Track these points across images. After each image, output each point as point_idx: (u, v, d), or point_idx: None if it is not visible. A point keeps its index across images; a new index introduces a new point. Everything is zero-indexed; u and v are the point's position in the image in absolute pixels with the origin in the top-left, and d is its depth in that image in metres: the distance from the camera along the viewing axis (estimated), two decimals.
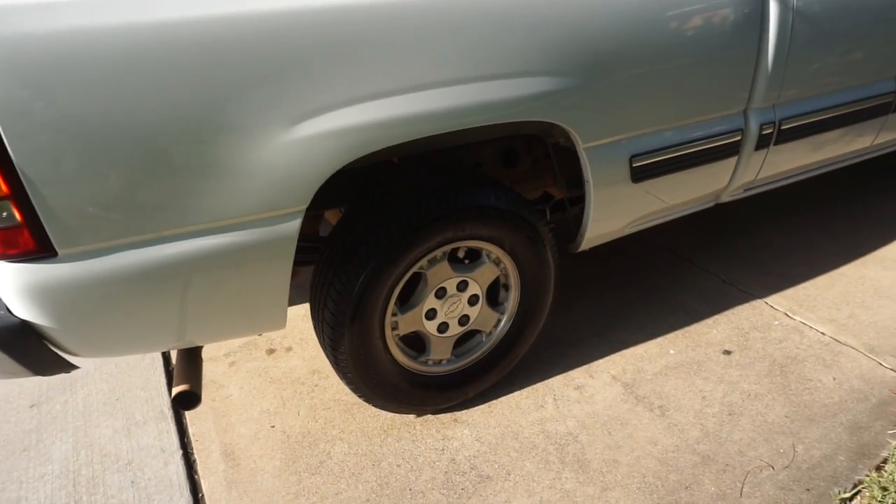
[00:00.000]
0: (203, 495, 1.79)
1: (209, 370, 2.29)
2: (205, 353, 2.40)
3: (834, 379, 2.07)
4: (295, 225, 1.48)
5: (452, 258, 1.84)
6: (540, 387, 2.11)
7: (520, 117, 1.63)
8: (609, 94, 1.74)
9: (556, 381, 2.12)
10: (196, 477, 1.85)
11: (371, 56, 1.40)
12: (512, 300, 1.98)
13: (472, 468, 1.82)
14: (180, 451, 1.93)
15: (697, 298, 2.53)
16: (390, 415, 2.01)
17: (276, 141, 1.37)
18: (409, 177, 1.78)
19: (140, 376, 2.28)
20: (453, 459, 1.85)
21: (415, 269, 1.75)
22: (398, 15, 1.41)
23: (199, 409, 2.11)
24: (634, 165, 1.91)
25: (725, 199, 2.34)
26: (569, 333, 2.37)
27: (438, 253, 1.77)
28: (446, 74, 1.49)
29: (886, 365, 2.11)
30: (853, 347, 2.21)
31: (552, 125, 1.78)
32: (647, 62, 1.76)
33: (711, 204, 2.32)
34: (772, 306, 2.46)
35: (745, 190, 2.37)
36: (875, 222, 3.05)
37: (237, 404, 2.12)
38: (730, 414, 1.95)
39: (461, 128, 1.56)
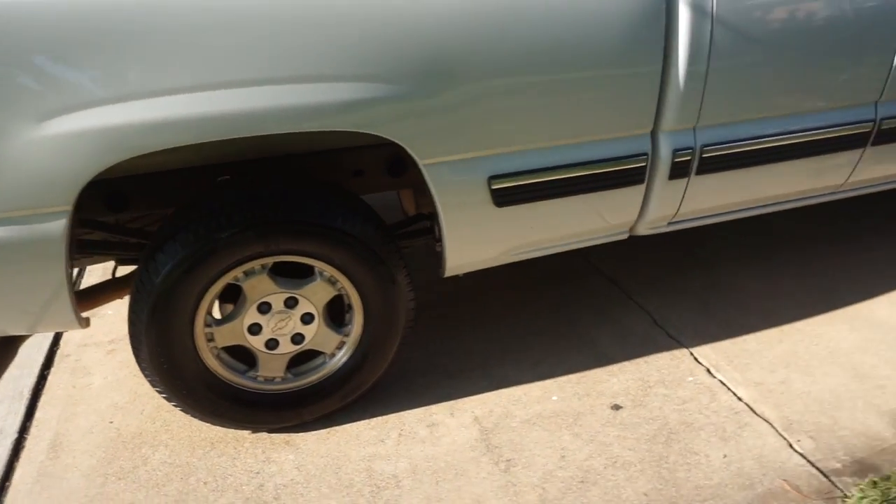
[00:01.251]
0: (10, 484, 1.76)
1: (87, 354, 2.28)
2: (90, 338, 2.39)
3: (724, 456, 1.76)
4: (59, 225, 1.39)
5: (283, 271, 1.70)
6: (392, 418, 1.93)
7: (332, 127, 1.46)
8: (454, 106, 1.53)
9: (413, 415, 1.94)
10: (15, 464, 1.83)
11: (132, 50, 1.28)
12: (356, 324, 1.81)
13: (275, 499, 1.68)
14: (16, 436, 1.92)
15: (614, 338, 2.25)
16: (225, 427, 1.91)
17: (22, 138, 1.29)
18: (227, 183, 1.65)
19: (24, 354, 2.30)
20: (262, 486, 1.72)
21: (226, 280, 1.62)
22: (163, 5, 1.28)
23: (55, 394, 2.10)
24: (495, 188, 1.68)
25: (644, 231, 2.05)
26: (453, 362, 2.16)
27: (255, 265, 1.64)
28: (224, 75, 1.34)
29: (797, 447, 1.78)
30: (767, 420, 1.87)
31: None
32: (504, 71, 1.53)
33: (625, 236, 2.04)
34: (696, 359, 2.14)
35: (670, 223, 2.06)
36: (860, 274, 2.60)
37: (93, 394, 2.09)
38: (581, 481, 1.70)
39: (260, 133, 1.41)
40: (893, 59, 1.96)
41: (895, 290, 2.46)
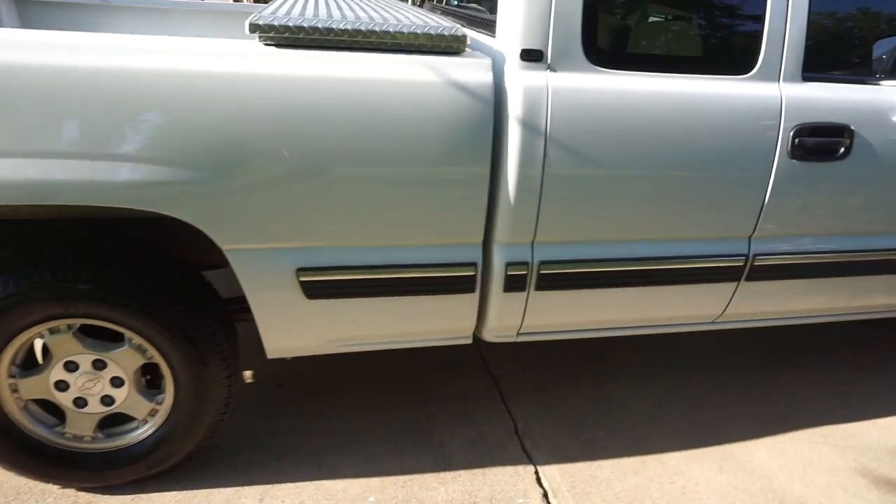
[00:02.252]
0: None
1: None
2: None
3: None
4: None
5: (99, 331, 1.72)
6: (200, 495, 1.90)
7: (126, 204, 1.49)
8: (253, 195, 1.54)
9: (222, 495, 1.90)
10: None
11: None
12: (168, 393, 1.81)
13: None
14: None
15: (464, 443, 2.16)
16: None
17: None
18: (42, 242, 1.70)
19: None
20: None
21: (30, 334, 1.66)
22: None
23: None
24: (304, 280, 1.68)
25: (492, 339, 1.99)
26: (291, 443, 2.12)
27: (61, 324, 1.67)
28: (17, 145, 1.39)
29: None
30: None
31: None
32: (307, 167, 1.54)
33: (468, 340, 1.98)
34: (538, 479, 2.03)
35: (521, 334, 2.00)
36: (754, 412, 2.41)
37: None
38: None
39: (54, 203, 1.46)
40: (765, 196, 1.88)
41: (783, 434, 2.28)
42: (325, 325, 1.78)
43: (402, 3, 2.48)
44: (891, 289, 2.24)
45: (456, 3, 2.24)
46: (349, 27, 1.53)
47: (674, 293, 1.98)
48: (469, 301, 1.83)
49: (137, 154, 1.45)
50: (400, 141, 1.57)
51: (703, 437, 2.26)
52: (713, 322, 2.16)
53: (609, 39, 1.73)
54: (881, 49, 1.98)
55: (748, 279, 2.00)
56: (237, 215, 1.56)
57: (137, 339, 1.71)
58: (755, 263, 1.98)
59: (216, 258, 1.66)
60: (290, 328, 1.77)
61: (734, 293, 2.03)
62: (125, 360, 1.75)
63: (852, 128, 1.87)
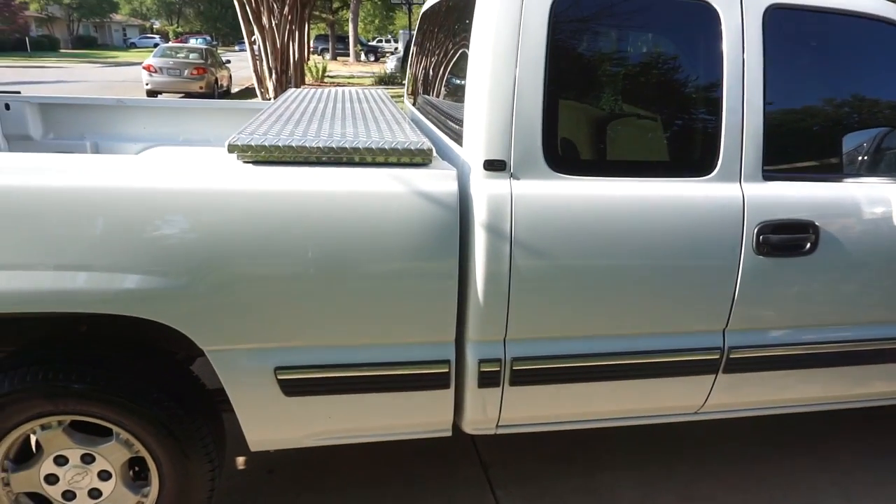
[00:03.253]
0: None
1: None
2: None
3: None
4: None
5: (84, 427, 1.81)
6: None
7: (106, 310, 1.60)
8: (230, 300, 1.65)
9: None
10: None
11: None
12: (154, 487, 1.87)
13: None
14: None
15: None
16: None
17: None
18: (34, 342, 1.81)
19: None
20: None
21: (22, 430, 1.75)
22: None
23: None
24: (282, 378, 1.75)
25: (472, 432, 2.02)
26: None
27: (52, 421, 1.76)
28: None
29: None
30: None
31: None
32: (282, 273, 1.65)
33: (447, 433, 2.01)
34: None
35: (500, 427, 2.02)
36: None
37: None
38: None
39: (36, 310, 1.58)
40: (735, 291, 1.92)
41: None
42: (303, 420, 1.84)
43: (393, 107, 2.64)
44: (870, 379, 2.22)
45: (436, 111, 2.37)
46: (321, 145, 1.66)
47: (651, 386, 2.00)
48: (444, 396, 1.88)
49: (121, 264, 1.57)
50: (371, 249, 1.67)
51: None
52: (696, 413, 2.16)
53: (569, 147, 1.84)
54: (841, 146, 2.04)
55: (725, 371, 2.02)
56: (215, 320, 1.66)
57: (124, 434, 1.80)
58: (731, 356, 2.00)
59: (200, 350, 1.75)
60: (270, 423, 1.83)
61: (713, 385, 2.04)
62: (112, 454, 1.82)
63: (817, 224, 1.91)
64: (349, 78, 22.41)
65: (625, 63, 1.96)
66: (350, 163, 1.69)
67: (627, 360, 1.93)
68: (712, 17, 1.89)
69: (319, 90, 3.19)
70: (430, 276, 1.73)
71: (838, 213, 1.95)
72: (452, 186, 1.70)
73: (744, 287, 1.91)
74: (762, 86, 1.90)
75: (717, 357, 2.00)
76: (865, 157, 2.07)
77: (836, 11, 2.03)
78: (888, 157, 2.08)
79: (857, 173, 2.04)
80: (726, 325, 1.97)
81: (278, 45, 12.39)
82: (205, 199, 1.58)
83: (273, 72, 12.43)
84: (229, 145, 1.63)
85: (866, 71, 2.14)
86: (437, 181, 1.69)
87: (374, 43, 44.46)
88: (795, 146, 2.03)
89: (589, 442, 2.71)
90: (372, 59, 37.33)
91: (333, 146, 1.67)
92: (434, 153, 1.74)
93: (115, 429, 1.79)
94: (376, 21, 47.08)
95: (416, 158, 1.71)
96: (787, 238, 1.91)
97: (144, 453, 1.82)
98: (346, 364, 1.78)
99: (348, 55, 35.73)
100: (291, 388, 1.77)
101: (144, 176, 1.57)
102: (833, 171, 2.04)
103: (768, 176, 1.92)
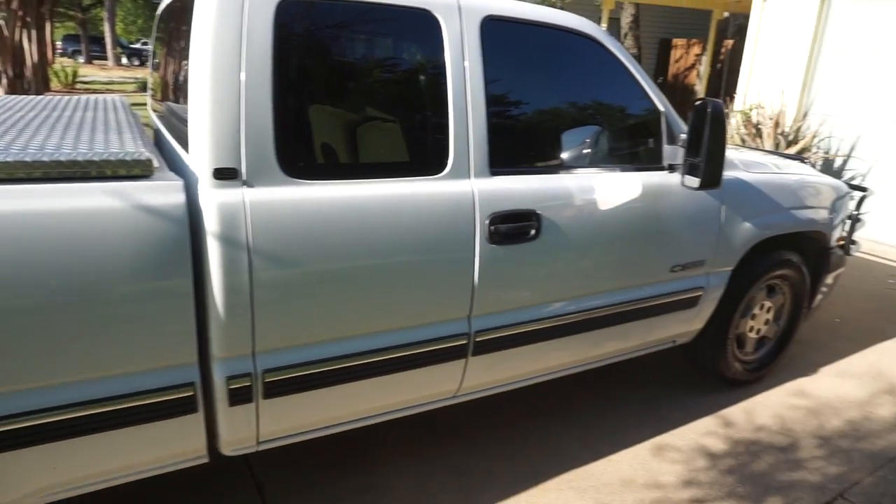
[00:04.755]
0: None
1: None
2: None
3: None
4: None
5: None
6: None
7: None
8: None
9: None
10: None
11: None
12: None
13: None
14: None
15: None
16: None
17: None
18: None
19: None
20: None
21: None
22: None
23: None
24: None
25: (230, 452, 1.93)
26: None
27: None
28: None
29: None
30: None
31: None
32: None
33: (205, 460, 1.90)
34: None
35: (262, 443, 1.96)
36: (513, 471, 2.57)
37: None
38: None
39: None
40: (474, 279, 2.07)
41: (535, 488, 2.47)
42: (21, 477, 1.61)
43: (126, 115, 2.42)
44: (603, 341, 2.57)
45: (173, 119, 2.22)
46: (12, 159, 1.46)
47: (408, 378, 2.09)
48: (194, 421, 1.77)
49: None
50: (92, 272, 1.51)
51: None
52: (455, 397, 2.30)
53: (305, 152, 1.84)
54: (557, 142, 2.32)
55: (475, 354, 2.18)
56: None
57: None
58: (477, 340, 2.16)
59: None
60: None
61: (465, 368, 2.19)
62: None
63: (538, 212, 2.15)
64: (107, 84, 20.07)
65: (356, 68, 2.01)
66: (56, 178, 1.51)
67: (381, 357, 1.99)
68: (434, 26, 2.02)
69: (46, 98, 2.82)
70: (163, 296, 1.61)
71: (555, 201, 2.21)
72: (178, 198, 1.60)
73: (482, 275, 2.08)
74: (483, 90, 2.07)
75: (464, 342, 2.15)
76: (578, 152, 2.37)
77: (545, 25, 2.29)
78: (596, 151, 2.41)
79: (571, 166, 2.33)
80: (470, 312, 2.12)
81: (8, 45, 10.71)
82: None
83: (2, 75, 10.72)
84: None
85: (575, 77, 2.46)
86: (161, 194, 1.59)
87: (138, 45, 40.42)
88: (518, 143, 2.26)
89: (363, 440, 2.75)
90: (136, 63, 33.93)
91: (29, 160, 1.47)
92: (155, 164, 1.63)
93: None
94: (139, 21, 42.89)
95: (133, 170, 1.58)
96: (514, 227, 2.11)
97: None
98: (70, 404, 1.59)
99: (107, 58, 32.10)
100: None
101: None
102: (551, 164, 2.31)
103: (495, 172, 2.11)
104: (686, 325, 2.85)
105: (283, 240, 1.73)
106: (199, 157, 1.68)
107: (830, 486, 2.55)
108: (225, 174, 1.68)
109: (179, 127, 2.00)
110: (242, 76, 1.70)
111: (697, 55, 13.46)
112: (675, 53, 14.07)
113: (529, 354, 2.35)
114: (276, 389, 1.84)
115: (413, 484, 2.48)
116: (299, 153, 1.81)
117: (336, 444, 2.70)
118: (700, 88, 12.36)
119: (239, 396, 1.79)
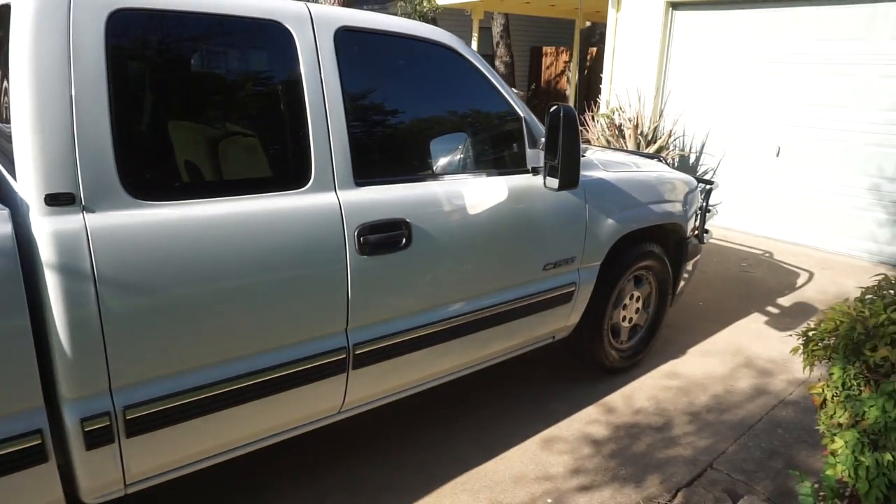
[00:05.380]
0: None
1: None
2: None
3: None
4: None
5: None
6: None
7: None
8: None
9: None
10: None
11: None
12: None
13: None
14: None
15: None
16: None
17: None
18: None
19: None
20: None
21: None
22: None
23: None
24: None
25: (93, 501, 1.77)
26: None
27: None
28: None
29: None
30: None
31: None
32: None
33: None
34: None
35: (132, 485, 1.82)
36: (408, 480, 2.57)
37: None
38: None
39: None
40: (348, 292, 2.05)
41: (430, 495, 2.47)
42: None
43: None
44: (489, 341, 2.62)
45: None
46: None
47: (288, 399, 2.02)
48: (46, 471, 1.61)
49: None
50: None
51: None
52: (340, 413, 2.26)
53: (153, 172, 1.74)
54: (423, 150, 2.35)
55: (356, 367, 2.15)
56: None
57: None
58: (357, 352, 2.13)
59: None
60: None
61: (347, 383, 2.16)
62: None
63: (408, 220, 2.16)
64: None
65: (207, 82, 1.93)
66: None
67: (257, 380, 1.91)
68: (286, 37, 1.98)
69: None
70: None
71: (424, 208, 2.23)
72: (5, 228, 1.46)
73: (355, 287, 2.06)
74: (342, 101, 2.05)
75: (343, 357, 2.11)
76: (445, 159, 2.41)
77: (401, 35, 2.31)
78: (462, 158, 2.46)
79: (438, 173, 2.36)
80: (347, 325, 2.09)
81: None
82: None
83: None
84: None
85: (435, 86, 2.50)
86: None
87: None
88: (382, 153, 2.27)
89: (256, 462, 2.63)
90: None
91: None
92: None
93: None
94: None
95: None
96: (384, 236, 2.11)
97: None
98: None
99: None
100: None
101: None
102: (418, 173, 2.33)
103: (361, 182, 2.09)
104: (563, 321, 2.97)
105: (134, 267, 1.62)
106: (28, 182, 1.54)
107: (701, 459, 2.75)
108: (59, 200, 1.55)
109: (7, 149, 1.83)
110: (72, 91, 1.57)
111: (566, 62, 14.20)
112: (546, 60, 14.77)
113: (412, 362, 2.35)
114: (140, 426, 1.72)
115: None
116: (146, 174, 1.71)
117: (231, 470, 2.57)
118: (570, 93, 13.05)
119: (97, 438, 1.65)
